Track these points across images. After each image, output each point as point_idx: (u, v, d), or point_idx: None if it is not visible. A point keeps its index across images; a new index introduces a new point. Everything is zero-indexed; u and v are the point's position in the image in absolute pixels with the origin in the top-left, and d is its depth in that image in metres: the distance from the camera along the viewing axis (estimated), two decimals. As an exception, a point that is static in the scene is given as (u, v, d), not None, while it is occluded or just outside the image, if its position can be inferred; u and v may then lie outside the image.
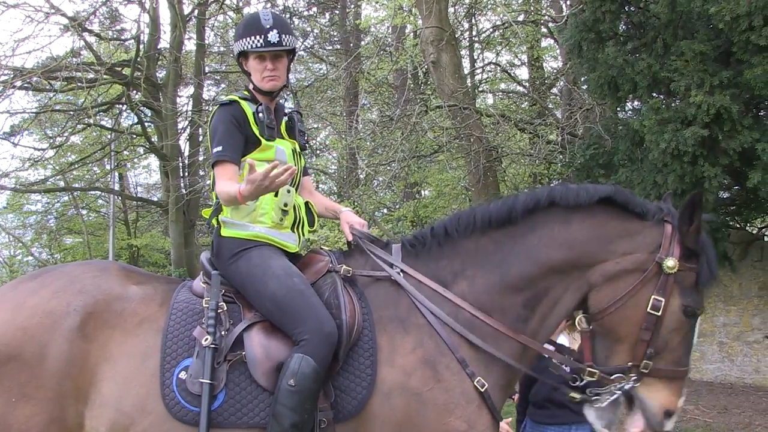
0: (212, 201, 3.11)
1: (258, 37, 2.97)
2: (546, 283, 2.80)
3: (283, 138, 3.12)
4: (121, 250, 22.21)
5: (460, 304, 2.77)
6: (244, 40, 3.00)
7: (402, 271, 2.86)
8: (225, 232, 2.96)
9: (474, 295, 2.81)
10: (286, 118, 3.20)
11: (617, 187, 2.89)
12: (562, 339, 3.80)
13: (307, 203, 3.16)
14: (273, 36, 2.97)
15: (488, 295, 2.81)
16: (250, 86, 3.12)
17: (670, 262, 2.70)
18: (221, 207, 2.97)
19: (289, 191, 2.98)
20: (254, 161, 2.66)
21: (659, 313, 2.69)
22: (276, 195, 2.93)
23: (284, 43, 3.00)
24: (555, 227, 2.82)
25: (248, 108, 3.00)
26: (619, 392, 2.73)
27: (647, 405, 2.72)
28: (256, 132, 2.97)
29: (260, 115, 2.99)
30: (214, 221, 3.01)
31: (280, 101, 3.25)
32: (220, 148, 2.90)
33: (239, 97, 3.04)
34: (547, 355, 2.92)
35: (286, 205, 2.96)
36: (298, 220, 3.05)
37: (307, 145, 3.31)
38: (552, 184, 3.19)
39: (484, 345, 2.74)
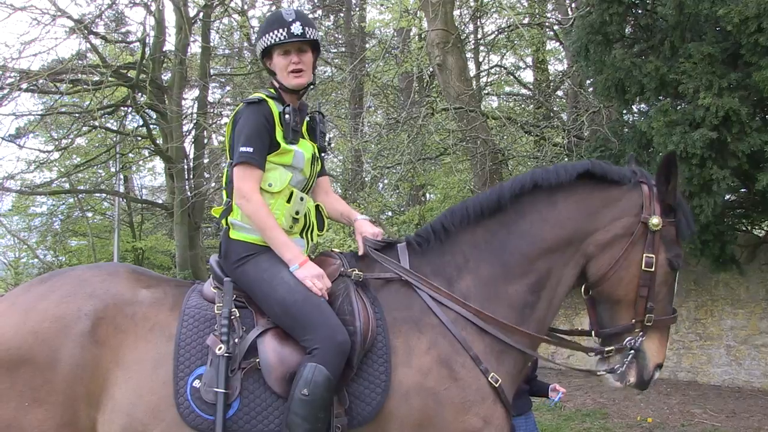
0: (223, 200, 3.05)
1: (281, 30, 2.92)
2: (546, 265, 2.89)
3: (304, 139, 3.07)
4: (126, 253, 22.20)
5: (464, 310, 2.81)
6: (267, 35, 2.95)
7: (411, 272, 2.87)
8: (234, 234, 2.93)
9: (480, 289, 2.85)
10: (308, 118, 3.15)
11: (593, 161, 3.02)
12: None
13: (317, 206, 3.13)
14: (296, 28, 2.92)
15: (494, 286, 2.86)
16: (276, 85, 3.04)
17: (655, 220, 2.88)
18: (232, 208, 2.93)
19: (302, 199, 2.96)
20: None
21: (653, 269, 2.85)
22: (289, 202, 2.90)
23: (308, 35, 2.95)
24: (542, 209, 2.92)
25: (275, 108, 2.94)
26: (632, 351, 2.87)
27: (645, 358, 2.89)
28: (280, 135, 2.92)
29: (287, 117, 2.93)
30: (224, 222, 2.98)
31: (304, 101, 3.19)
32: (250, 150, 2.84)
33: (267, 96, 2.97)
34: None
35: (297, 213, 2.94)
36: (307, 226, 3.02)
37: (327, 146, 3.27)
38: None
39: (503, 336, 2.80)
